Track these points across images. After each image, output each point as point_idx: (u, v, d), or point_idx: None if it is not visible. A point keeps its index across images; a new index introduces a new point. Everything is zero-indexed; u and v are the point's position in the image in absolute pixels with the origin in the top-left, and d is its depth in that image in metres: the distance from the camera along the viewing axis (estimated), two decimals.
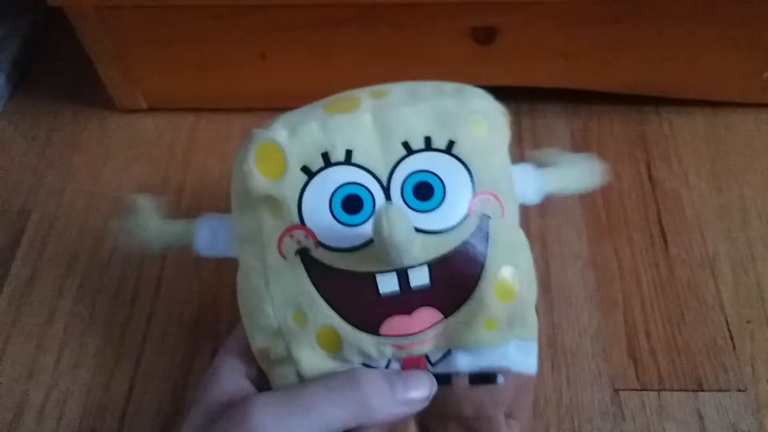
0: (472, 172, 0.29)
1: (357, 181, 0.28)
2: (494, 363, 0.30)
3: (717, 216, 0.44)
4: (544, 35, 0.44)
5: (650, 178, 0.46)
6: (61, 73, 0.53)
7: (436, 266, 0.28)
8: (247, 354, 0.30)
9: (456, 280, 0.28)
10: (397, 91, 0.31)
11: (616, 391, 0.38)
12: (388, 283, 0.28)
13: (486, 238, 0.29)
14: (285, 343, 0.29)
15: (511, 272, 0.29)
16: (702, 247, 0.43)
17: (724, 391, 0.37)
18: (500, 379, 0.30)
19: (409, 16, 0.42)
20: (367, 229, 0.28)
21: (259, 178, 0.28)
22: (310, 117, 0.29)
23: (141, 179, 0.47)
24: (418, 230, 0.27)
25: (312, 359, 0.29)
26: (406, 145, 0.29)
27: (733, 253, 0.43)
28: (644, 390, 0.38)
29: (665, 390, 0.38)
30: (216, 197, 0.46)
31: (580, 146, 0.48)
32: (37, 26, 0.54)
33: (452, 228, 0.28)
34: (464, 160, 0.29)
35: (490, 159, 0.30)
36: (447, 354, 0.30)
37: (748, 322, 0.40)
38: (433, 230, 0.28)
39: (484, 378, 0.30)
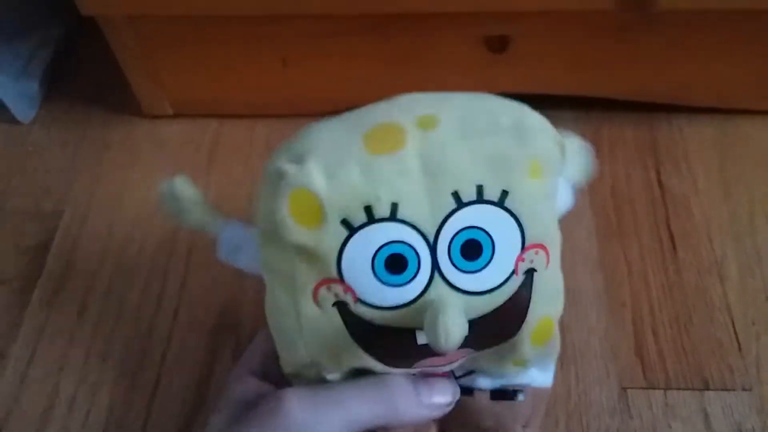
0: (524, 227, 0.26)
1: (402, 239, 0.25)
2: (515, 381, 0.31)
3: (725, 221, 0.45)
4: (555, 44, 0.45)
5: (660, 183, 0.47)
6: (92, 81, 0.55)
7: (477, 322, 0.26)
8: (271, 356, 0.30)
9: (496, 329, 0.28)
10: (448, 121, 0.26)
11: (624, 389, 0.39)
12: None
13: (530, 291, 0.28)
14: (317, 371, 0.29)
15: (549, 320, 0.29)
16: (710, 251, 0.44)
17: (730, 390, 0.39)
18: (521, 397, 0.31)
19: (424, 25, 0.44)
20: (410, 289, 0.26)
21: (293, 228, 0.25)
22: (350, 157, 0.25)
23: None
24: (461, 291, 0.26)
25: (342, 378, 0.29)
26: (456, 195, 0.25)
27: (740, 256, 0.44)
28: (651, 388, 0.39)
29: (672, 389, 0.39)
30: (238, 199, 0.48)
31: (591, 149, 0.49)
32: (69, 35, 0.56)
33: (498, 287, 0.26)
34: (516, 214, 0.26)
35: (544, 208, 0.27)
36: (469, 373, 0.31)
37: (753, 323, 0.41)
38: (478, 291, 0.26)
39: (505, 394, 0.31)
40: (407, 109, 0.27)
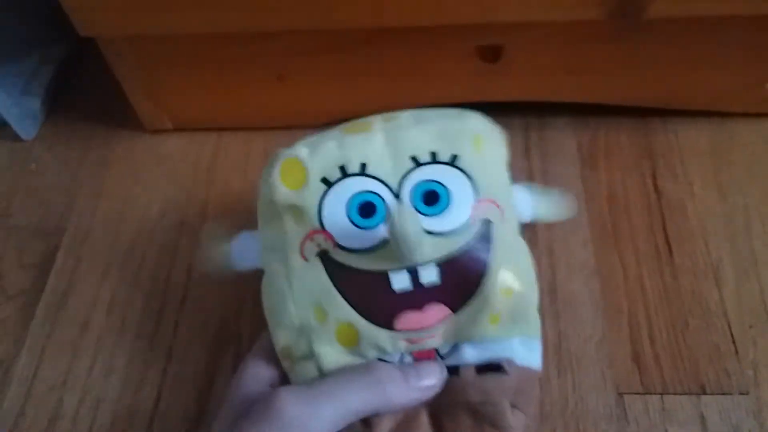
0: (474, 181, 0.32)
1: (371, 189, 0.32)
2: (499, 354, 0.32)
3: (721, 224, 0.45)
4: (548, 52, 0.46)
5: (656, 188, 0.47)
6: (92, 98, 0.56)
7: (444, 265, 0.31)
8: (270, 361, 0.33)
9: (462, 277, 0.31)
10: (405, 116, 0.35)
11: (620, 395, 0.39)
12: (400, 281, 0.31)
13: (488, 240, 0.32)
14: (307, 340, 0.31)
15: (512, 271, 0.32)
16: (706, 255, 0.44)
17: (727, 394, 0.39)
18: (505, 368, 0.32)
19: (416, 37, 0.44)
20: (380, 231, 0.31)
21: (283, 189, 0.32)
22: (329, 137, 0.33)
23: (167, 196, 0.49)
24: (426, 231, 0.31)
25: (331, 354, 0.31)
26: (414, 159, 0.32)
27: (736, 260, 0.44)
28: (648, 394, 0.39)
29: (668, 393, 0.39)
30: (237, 212, 0.48)
31: (587, 158, 0.49)
32: (69, 53, 0.57)
33: (458, 230, 0.31)
34: (466, 171, 0.32)
35: (490, 171, 0.34)
36: (455, 347, 0.33)
37: (750, 327, 0.41)
38: (440, 231, 0.31)
39: (489, 368, 0.32)
40: (375, 115, 0.35)
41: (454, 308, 0.31)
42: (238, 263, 0.36)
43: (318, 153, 0.32)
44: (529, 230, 0.45)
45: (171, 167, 0.51)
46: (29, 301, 0.45)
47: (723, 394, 0.39)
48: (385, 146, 0.33)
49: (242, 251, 0.36)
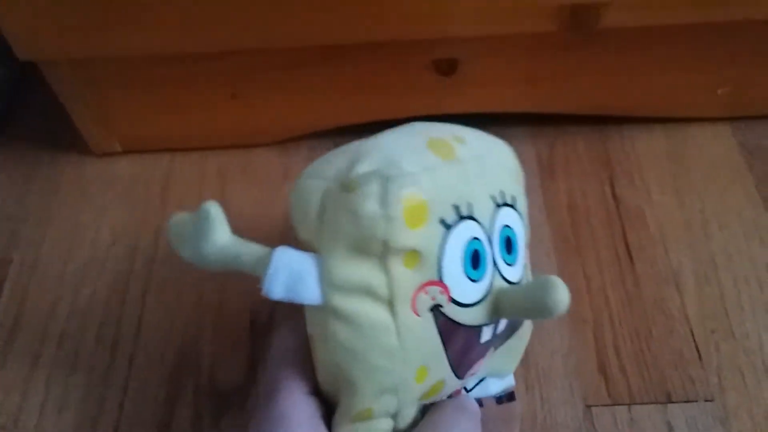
0: (525, 226, 0.32)
1: (478, 236, 0.28)
2: (508, 384, 0.34)
3: (679, 230, 0.46)
4: (504, 63, 0.46)
5: (614, 196, 0.48)
6: (38, 121, 0.54)
7: None
8: (304, 367, 0.28)
9: (513, 322, 0.31)
10: (468, 137, 0.31)
11: (588, 407, 0.39)
12: (487, 333, 0.29)
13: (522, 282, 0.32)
14: (396, 400, 0.27)
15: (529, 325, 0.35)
16: (666, 262, 0.44)
17: (692, 401, 0.39)
18: (514, 396, 0.34)
19: (371, 53, 0.43)
20: (484, 284, 0.28)
21: (405, 229, 0.25)
22: (433, 162, 0.27)
23: (118, 222, 0.48)
24: (509, 282, 0.29)
25: (410, 413, 0.28)
26: (493, 198, 0.29)
27: (696, 265, 0.44)
28: (615, 405, 0.39)
29: (635, 404, 0.39)
30: None
31: (546, 168, 0.49)
32: (12, 76, 0.55)
33: (521, 279, 0.31)
34: (522, 217, 0.31)
35: (525, 204, 0.33)
36: (482, 381, 0.34)
37: (712, 332, 0.41)
38: (514, 282, 0.30)
39: (507, 397, 0.34)
40: (431, 129, 0.31)
41: (496, 347, 0.31)
42: (278, 293, 0.26)
43: (438, 185, 0.26)
44: None
45: (122, 191, 0.49)
46: None
47: (688, 401, 0.39)
48: (476, 180, 0.28)
49: (289, 280, 0.26)
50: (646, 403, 0.39)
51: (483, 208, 0.28)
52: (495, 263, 0.28)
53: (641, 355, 0.41)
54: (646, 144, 0.50)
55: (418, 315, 0.26)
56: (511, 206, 0.30)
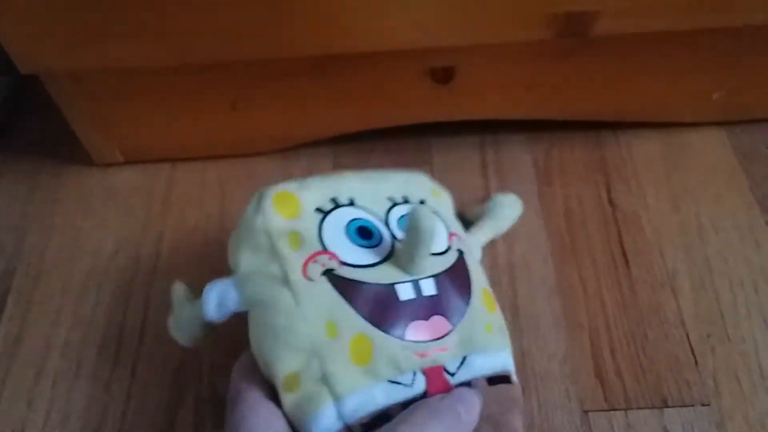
0: (442, 218, 0.37)
1: (363, 217, 0.35)
2: (500, 365, 0.34)
3: (675, 234, 0.46)
4: (500, 71, 0.46)
5: (610, 200, 0.48)
6: (39, 132, 0.54)
7: (439, 278, 0.34)
8: (271, 406, 0.31)
9: (454, 291, 0.34)
10: (369, 172, 0.39)
11: (585, 412, 0.39)
12: (406, 292, 0.32)
13: (465, 263, 0.36)
14: (319, 360, 0.30)
15: (487, 291, 0.36)
16: (662, 266, 0.45)
17: (688, 406, 0.39)
18: (512, 379, 0.34)
19: (367, 62, 0.44)
20: (380, 250, 0.34)
21: (278, 218, 0.33)
22: (310, 180, 0.36)
23: (121, 232, 0.48)
24: None
25: (346, 375, 0.30)
26: (391, 199, 0.37)
27: (691, 269, 0.44)
28: (612, 410, 0.39)
29: (632, 408, 0.39)
30: (194, 244, 0.47)
31: (543, 174, 0.50)
32: (13, 87, 0.56)
33: (444, 252, 0.35)
34: (435, 210, 0.37)
35: (449, 214, 0.40)
36: (464, 362, 0.33)
37: (708, 336, 0.42)
38: (432, 252, 0.34)
39: (500, 379, 0.33)
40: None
41: (453, 322, 0.33)
42: (215, 314, 0.33)
43: (307, 188, 0.35)
44: (490, 250, 0.46)
45: (123, 201, 0.50)
46: None
47: (685, 406, 0.39)
48: (363, 186, 0.37)
49: (220, 299, 0.33)
50: (643, 408, 0.39)
51: (372, 202, 0.36)
52: (395, 238, 0.35)
53: (637, 360, 0.41)
54: (642, 149, 0.51)
55: (311, 279, 0.32)
56: (415, 203, 0.37)
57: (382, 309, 0.32)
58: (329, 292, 0.31)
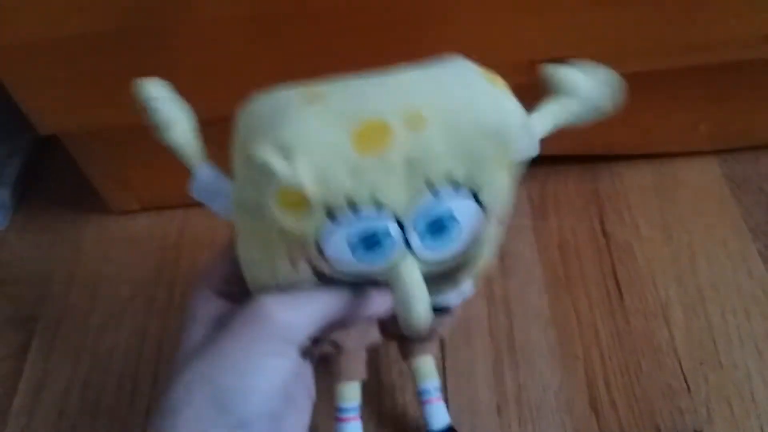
0: (486, 210, 0.29)
1: (377, 227, 0.28)
2: (446, 303, 0.36)
3: (668, 264, 0.47)
4: None
5: (604, 232, 0.49)
6: (61, 183, 0.58)
7: (431, 273, 0.30)
8: (226, 292, 0.32)
9: (446, 279, 0.32)
10: (436, 118, 0.27)
11: None
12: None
13: (478, 249, 0.31)
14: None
15: (485, 259, 0.32)
16: (654, 295, 0.46)
17: None
18: (450, 310, 0.37)
19: None
20: (383, 260, 0.29)
21: (279, 215, 0.27)
22: (339, 159, 0.26)
23: (137, 277, 0.51)
24: (423, 261, 0.29)
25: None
26: (429, 183, 0.27)
27: (683, 298, 0.45)
28: None
29: None
30: None
31: (538, 208, 0.51)
32: (37, 143, 0.59)
33: (454, 253, 0.30)
34: (484, 204, 0.29)
35: (503, 198, 0.30)
36: None
37: (701, 363, 0.43)
38: (436, 261, 0.30)
39: (440, 311, 0.35)
40: (394, 98, 0.27)
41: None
42: (196, 195, 0.31)
43: (325, 184, 0.26)
44: (487, 283, 0.47)
45: (139, 247, 0.53)
46: (6, 391, 0.46)
47: None
48: (403, 170, 0.27)
49: (209, 192, 0.31)
50: None
51: (399, 195, 0.27)
52: (408, 244, 0.28)
53: (631, 389, 0.42)
54: (634, 179, 0.52)
55: (293, 266, 0.29)
56: (462, 195, 0.28)
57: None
58: (310, 279, 0.30)
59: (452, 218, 0.28)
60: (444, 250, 0.29)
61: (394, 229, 0.28)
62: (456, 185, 0.28)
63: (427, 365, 0.39)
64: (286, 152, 0.25)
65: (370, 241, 0.28)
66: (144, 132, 0.48)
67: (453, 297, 0.36)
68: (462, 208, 0.28)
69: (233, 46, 0.41)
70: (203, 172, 0.31)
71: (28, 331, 0.49)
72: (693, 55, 0.42)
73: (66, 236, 0.54)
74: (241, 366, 0.28)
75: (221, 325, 0.30)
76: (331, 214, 0.27)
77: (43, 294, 0.51)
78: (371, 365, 0.38)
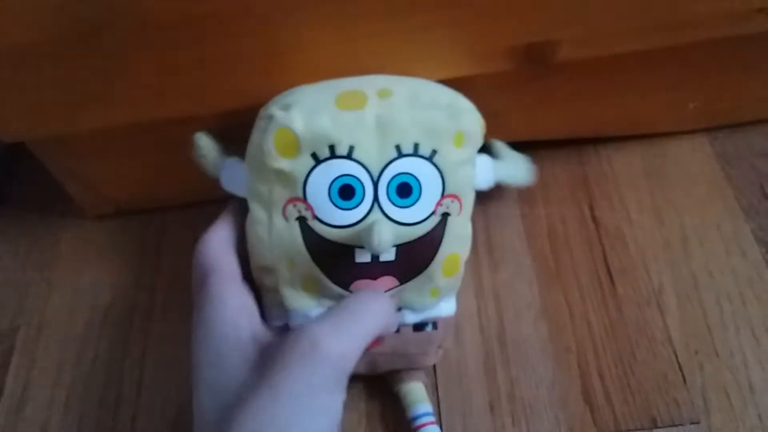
0: (445, 180, 0.35)
1: (353, 173, 0.34)
2: (431, 315, 0.39)
3: (660, 249, 0.46)
4: (474, 100, 0.46)
5: (593, 218, 0.48)
6: (35, 189, 0.56)
7: (401, 248, 0.36)
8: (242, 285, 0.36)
9: (415, 258, 0.37)
10: (400, 94, 0.35)
11: None
12: (363, 256, 0.36)
13: (443, 230, 0.37)
14: (275, 279, 0.37)
15: (456, 256, 0.38)
16: (647, 283, 0.45)
17: (678, 425, 0.39)
18: (436, 327, 0.40)
19: None
20: (354, 213, 0.35)
21: (276, 156, 0.34)
22: (324, 110, 0.34)
23: (116, 283, 0.49)
24: (393, 221, 0.35)
25: (294, 295, 0.37)
26: (398, 147, 0.35)
27: (677, 284, 0.44)
28: None
29: (621, 431, 0.39)
30: (187, 289, 0.48)
31: (525, 194, 0.50)
32: (7, 149, 0.57)
33: (420, 222, 0.36)
34: (441, 169, 0.35)
35: (462, 169, 0.36)
36: (398, 311, 0.38)
37: (696, 352, 0.42)
38: (405, 223, 0.35)
39: (424, 326, 0.39)
40: (370, 82, 0.36)
41: (402, 281, 0.37)
42: (225, 184, 0.40)
43: (312, 128, 0.34)
44: (475, 276, 0.46)
45: (116, 252, 0.51)
46: None
47: (674, 425, 0.39)
48: (374, 129, 0.34)
49: (231, 177, 0.39)
50: (632, 430, 0.39)
51: (372, 153, 0.34)
52: (378, 201, 0.35)
53: (625, 381, 0.41)
54: (623, 162, 0.51)
55: (286, 221, 0.35)
56: (426, 158, 0.35)
57: (334, 265, 0.36)
58: (296, 238, 0.35)
59: (414, 178, 0.35)
60: (409, 212, 0.35)
61: (366, 178, 0.34)
62: (416, 147, 0.35)
63: (418, 391, 0.40)
64: (286, 107, 0.34)
65: (346, 192, 0.34)
66: (110, 138, 0.46)
67: (435, 310, 0.39)
68: (422, 170, 0.35)
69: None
70: (228, 165, 0.40)
71: (9, 344, 0.47)
72: (673, 34, 0.40)
73: (42, 244, 0.53)
74: (305, 408, 0.30)
75: (269, 356, 0.32)
76: (314, 155, 0.34)
77: (22, 305, 0.49)
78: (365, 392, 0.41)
